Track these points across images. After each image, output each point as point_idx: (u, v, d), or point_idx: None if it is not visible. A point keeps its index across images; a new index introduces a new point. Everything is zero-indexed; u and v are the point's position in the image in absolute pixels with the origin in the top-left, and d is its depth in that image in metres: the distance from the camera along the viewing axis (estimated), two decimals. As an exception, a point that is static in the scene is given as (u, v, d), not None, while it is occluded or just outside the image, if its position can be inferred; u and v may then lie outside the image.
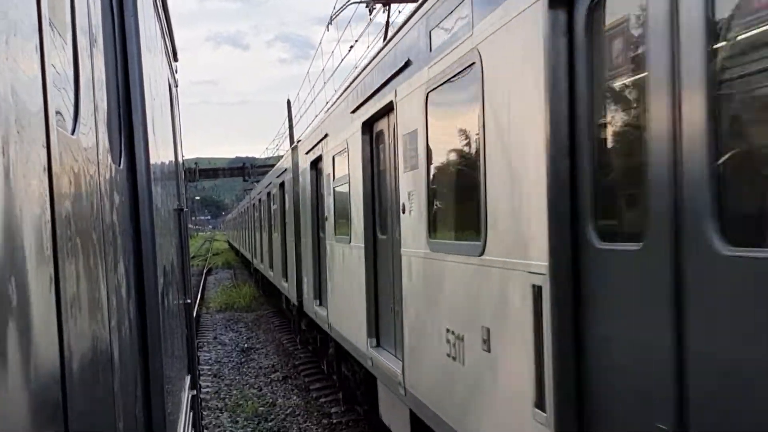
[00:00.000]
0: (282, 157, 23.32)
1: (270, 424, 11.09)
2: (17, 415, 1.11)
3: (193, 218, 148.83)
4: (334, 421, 10.71)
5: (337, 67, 24.25)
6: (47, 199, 1.35)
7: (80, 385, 1.53)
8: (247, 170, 51.47)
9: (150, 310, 2.82)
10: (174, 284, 4.37)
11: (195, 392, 5.77)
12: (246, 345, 18.68)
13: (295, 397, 12.67)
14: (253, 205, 31.63)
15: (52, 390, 1.31)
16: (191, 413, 5.12)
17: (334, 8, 15.08)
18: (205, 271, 44.50)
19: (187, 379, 5.17)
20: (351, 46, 19.05)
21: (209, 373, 15.17)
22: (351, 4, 13.31)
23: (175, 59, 6.61)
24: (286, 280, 16.90)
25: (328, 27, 16.22)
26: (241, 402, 12.45)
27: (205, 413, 11.18)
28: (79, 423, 1.48)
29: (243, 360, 16.66)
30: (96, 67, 2.09)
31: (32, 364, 1.20)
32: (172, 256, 4.37)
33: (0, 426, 1.03)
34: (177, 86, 6.68)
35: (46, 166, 1.36)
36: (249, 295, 28.86)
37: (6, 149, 1.11)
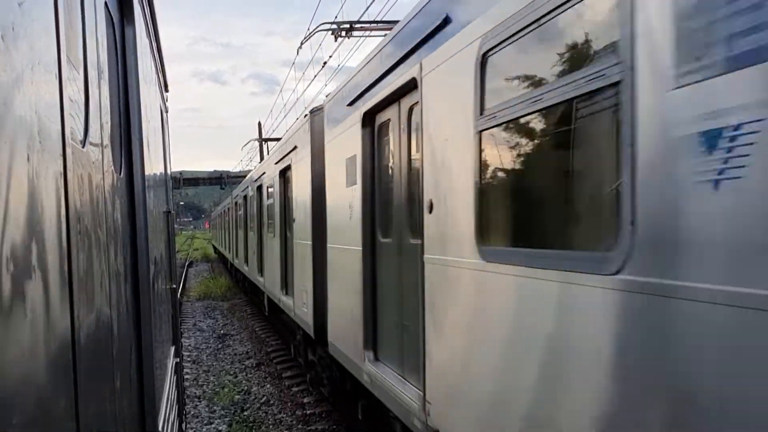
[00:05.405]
0: (251, 170, 22.77)
1: (246, 413, 9.53)
2: (37, 372, 1.12)
3: (178, 219, 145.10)
4: (308, 412, 9.25)
5: (297, 100, 24.92)
6: (62, 199, 1.35)
7: (86, 350, 1.53)
8: (223, 180, 50.82)
9: (143, 292, 2.79)
10: (162, 272, 4.30)
11: (178, 360, 5.68)
12: (222, 331, 17.05)
13: (268, 386, 11.13)
14: (234, 205, 28.54)
15: (64, 353, 1.31)
16: (175, 376, 5.04)
17: (300, 47, 14.88)
18: (186, 264, 42.76)
19: (172, 348, 5.08)
20: (308, 85, 18.99)
21: (188, 359, 13.36)
22: (319, 31, 13.05)
23: (167, 90, 6.51)
24: (261, 275, 16.39)
25: (297, 54, 16.08)
26: (218, 390, 10.86)
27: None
28: (86, 380, 1.48)
29: (219, 346, 14.96)
30: (102, 95, 2.08)
31: (49, 331, 1.20)
32: (161, 250, 4.30)
33: (24, 379, 1.03)
34: (167, 112, 6.58)
35: (62, 173, 1.36)
36: (224, 286, 27.58)
37: (31, 158, 1.11)
